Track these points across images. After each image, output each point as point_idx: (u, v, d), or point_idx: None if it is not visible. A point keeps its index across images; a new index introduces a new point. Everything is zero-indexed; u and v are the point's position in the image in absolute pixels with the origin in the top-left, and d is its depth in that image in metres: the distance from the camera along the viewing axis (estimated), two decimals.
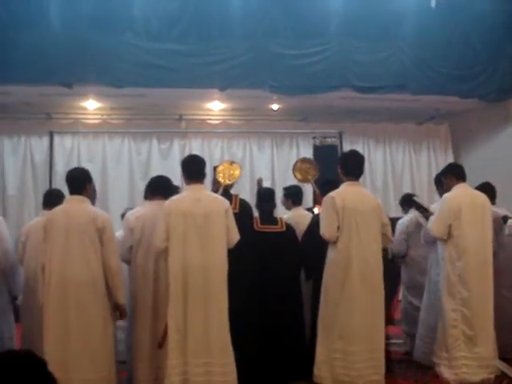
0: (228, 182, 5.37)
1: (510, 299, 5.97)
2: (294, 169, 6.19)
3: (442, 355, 5.20)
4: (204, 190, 4.90)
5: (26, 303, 5.34)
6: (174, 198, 4.83)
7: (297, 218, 5.90)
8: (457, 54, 8.80)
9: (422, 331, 5.76)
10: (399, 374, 5.52)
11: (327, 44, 8.43)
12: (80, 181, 4.73)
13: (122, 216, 6.14)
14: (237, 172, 5.46)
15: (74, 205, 4.65)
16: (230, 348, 4.58)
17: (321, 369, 4.87)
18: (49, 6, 7.89)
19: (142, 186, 9.21)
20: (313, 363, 4.90)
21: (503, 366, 5.37)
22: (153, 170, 9.22)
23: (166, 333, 4.59)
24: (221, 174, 5.37)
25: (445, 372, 5.14)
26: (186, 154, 9.64)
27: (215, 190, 5.25)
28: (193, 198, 4.71)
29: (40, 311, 4.60)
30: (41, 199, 8.78)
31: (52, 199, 5.46)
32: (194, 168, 4.89)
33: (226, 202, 4.82)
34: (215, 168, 5.53)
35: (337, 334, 4.83)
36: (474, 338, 5.16)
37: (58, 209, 4.71)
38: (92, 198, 4.79)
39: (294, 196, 6.17)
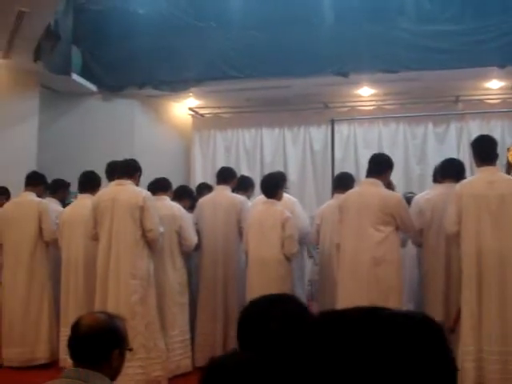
0: None
1: None
2: None
3: None
4: (497, 171, 4.71)
5: (321, 281, 5.70)
6: (466, 180, 4.74)
7: None
8: None
9: None
10: None
11: None
12: (382, 165, 4.90)
13: None
14: None
15: (367, 187, 4.83)
16: None
17: None
18: (322, 1, 8.29)
19: (417, 170, 9.22)
20: None
21: None
22: (428, 155, 9.12)
23: (458, 318, 4.53)
24: None
25: None
26: (463, 137, 9.34)
27: (508, 172, 5.02)
28: (485, 180, 4.56)
29: (334, 288, 4.88)
30: (320, 184, 9.23)
31: (344, 182, 5.74)
32: (485, 149, 4.71)
33: None
34: (508, 149, 5.29)
35: None
36: None
37: (352, 191, 4.95)
38: (385, 183, 4.92)
39: None
